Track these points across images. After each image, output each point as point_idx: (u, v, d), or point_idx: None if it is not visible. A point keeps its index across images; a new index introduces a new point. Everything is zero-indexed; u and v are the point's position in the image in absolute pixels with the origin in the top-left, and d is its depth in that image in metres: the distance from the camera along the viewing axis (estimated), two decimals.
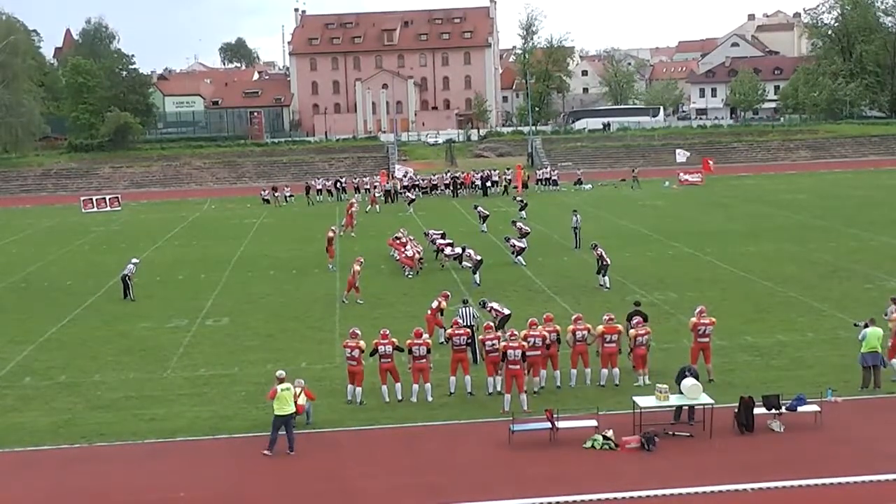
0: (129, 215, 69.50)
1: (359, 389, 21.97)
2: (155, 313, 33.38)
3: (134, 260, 38.31)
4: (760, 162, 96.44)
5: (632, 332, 22.75)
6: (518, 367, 21.00)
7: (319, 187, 75.56)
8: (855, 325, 23.43)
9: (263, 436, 19.93)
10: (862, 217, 50.38)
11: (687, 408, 19.98)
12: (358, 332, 22.31)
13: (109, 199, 76.35)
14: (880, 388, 21.65)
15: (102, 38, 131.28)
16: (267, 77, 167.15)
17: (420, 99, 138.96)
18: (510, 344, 21.08)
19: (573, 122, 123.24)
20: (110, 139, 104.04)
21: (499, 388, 22.00)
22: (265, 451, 19.14)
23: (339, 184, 76.25)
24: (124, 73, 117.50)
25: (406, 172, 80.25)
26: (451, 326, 23.51)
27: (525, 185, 72.89)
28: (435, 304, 27.07)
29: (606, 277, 34.16)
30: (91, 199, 76.10)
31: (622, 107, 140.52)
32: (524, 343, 21.47)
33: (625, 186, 73.65)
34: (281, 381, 19.53)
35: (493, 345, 21.89)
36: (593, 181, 77.42)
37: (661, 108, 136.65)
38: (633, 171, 76.61)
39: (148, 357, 27.42)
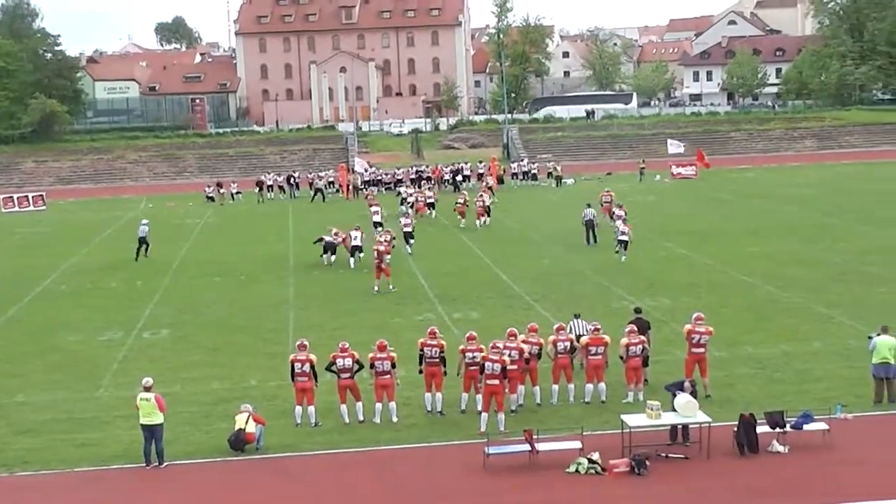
0: (56, 215, 69.01)
1: (311, 409, 21.90)
2: (86, 325, 33.17)
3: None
4: (761, 153, 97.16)
5: (623, 341, 22.71)
6: (497, 382, 20.91)
7: (270, 183, 74.73)
8: (869, 337, 22.93)
9: (208, 462, 19.91)
10: (875, 213, 50.81)
11: (681, 427, 20.07)
12: (307, 343, 22.27)
13: (33, 197, 75.82)
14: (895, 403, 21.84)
15: (23, 15, 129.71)
16: (210, 60, 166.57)
17: (382, 84, 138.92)
18: (489, 356, 21.08)
19: (536, 110, 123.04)
20: (33, 130, 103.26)
21: (470, 406, 22.03)
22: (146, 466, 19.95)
23: (292, 179, 75.78)
24: (49, 55, 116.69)
25: (366, 166, 79.85)
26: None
27: (501, 180, 72.96)
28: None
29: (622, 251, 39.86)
30: (12, 197, 75.68)
31: (594, 93, 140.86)
32: (505, 357, 21.36)
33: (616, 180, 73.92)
34: (146, 389, 20.10)
35: (474, 357, 21.81)
36: (575, 175, 77.68)
37: (634, 94, 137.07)
38: (642, 162, 77.07)
39: (78, 374, 27.23)
